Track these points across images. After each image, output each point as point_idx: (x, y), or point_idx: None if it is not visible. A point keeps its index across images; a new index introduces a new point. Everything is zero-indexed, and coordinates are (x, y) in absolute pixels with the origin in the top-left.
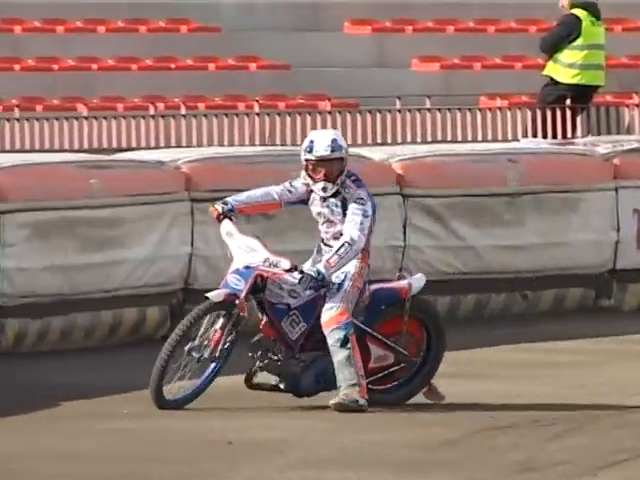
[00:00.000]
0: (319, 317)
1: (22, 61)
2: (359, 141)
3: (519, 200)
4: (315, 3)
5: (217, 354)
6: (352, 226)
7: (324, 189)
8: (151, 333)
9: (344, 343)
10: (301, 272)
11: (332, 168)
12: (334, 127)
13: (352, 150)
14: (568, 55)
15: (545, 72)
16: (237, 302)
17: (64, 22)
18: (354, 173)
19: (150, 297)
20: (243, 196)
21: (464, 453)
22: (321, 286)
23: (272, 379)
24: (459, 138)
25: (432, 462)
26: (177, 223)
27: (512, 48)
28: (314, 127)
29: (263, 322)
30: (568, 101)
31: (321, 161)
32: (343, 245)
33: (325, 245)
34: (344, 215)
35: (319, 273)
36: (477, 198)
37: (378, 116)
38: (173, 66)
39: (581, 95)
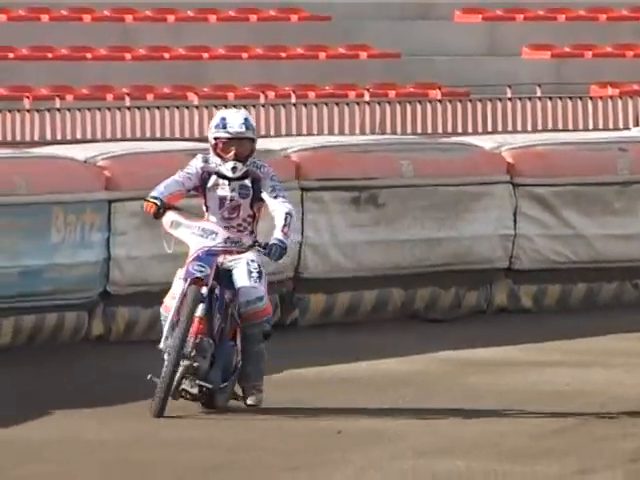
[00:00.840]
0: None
1: (133, 50)
2: (469, 129)
3: (630, 189)
4: None
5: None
6: (283, 200)
7: (234, 169)
8: None
9: (267, 336)
10: (265, 246)
11: (243, 148)
12: (445, 116)
13: (463, 139)
14: None
15: None
16: (205, 289)
17: (175, 11)
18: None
19: None
20: (162, 188)
21: (574, 442)
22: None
23: (186, 384)
24: (570, 126)
25: (542, 451)
26: None
27: (623, 36)
28: (424, 116)
29: (201, 317)
30: None
31: (234, 139)
32: (286, 217)
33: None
34: (254, 194)
35: (283, 242)
36: (587, 187)
37: (489, 105)
38: (284, 55)
39: None
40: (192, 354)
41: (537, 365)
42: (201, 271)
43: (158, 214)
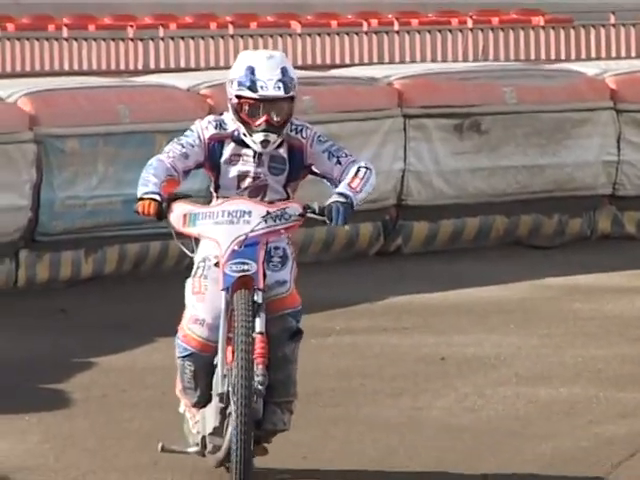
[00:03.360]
0: None
1: None
2: (573, 56)
3: None
4: None
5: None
6: (351, 159)
7: (264, 143)
8: (365, 249)
9: (294, 336)
10: (322, 210)
11: (280, 111)
12: (548, 42)
13: (566, 65)
14: None
15: None
16: (257, 287)
17: None
18: None
19: (363, 213)
20: (152, 178)
21: None
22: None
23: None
24: None
25: None
26: (390, 139)
27: None
28: (527, 42)
29: (262, 334)
30: None
31: (267, 101)
32: (360, 169)
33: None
34: (291, 170)
35: (347, 197)
36: None
37: (592, 31)
38: None
39: None
40: (262, 390)
41: None
42: (245, 269)
43: (161, 212)
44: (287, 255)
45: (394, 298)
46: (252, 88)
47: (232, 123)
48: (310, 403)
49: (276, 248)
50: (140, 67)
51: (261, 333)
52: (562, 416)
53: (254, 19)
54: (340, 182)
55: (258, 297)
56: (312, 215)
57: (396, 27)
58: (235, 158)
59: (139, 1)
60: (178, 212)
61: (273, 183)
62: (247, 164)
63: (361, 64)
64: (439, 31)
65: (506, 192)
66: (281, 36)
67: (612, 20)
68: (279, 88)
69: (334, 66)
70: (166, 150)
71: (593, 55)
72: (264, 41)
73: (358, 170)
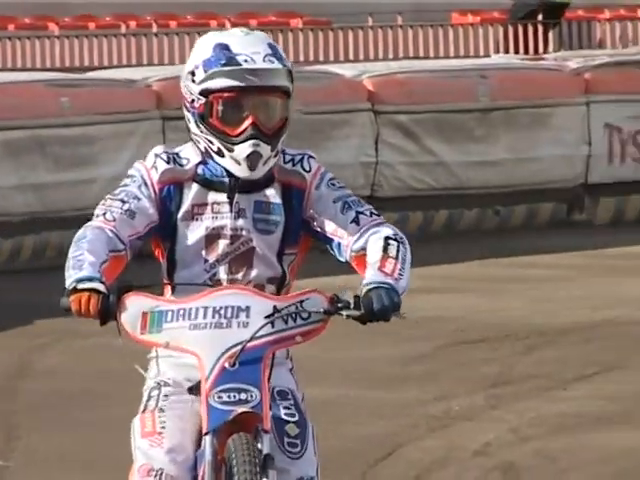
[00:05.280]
0: None
1: None
2: (331, 58)
3: (490, 116)
4: None
5: None
6: (373, 220)
7: (253, 157)
8: None
9: None
10: (356, 303)
11: (273, 112)
12: (306, 45)
13: (324, 67)
14: None
15: None
16: (262, 428)
17: None
18: None
19: None
20: (88, 256)
21: (436, 367)
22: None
23: None
24: (431, 54)
25: (404, 377)
26: (148, 141)
27: None
28: (286, 44)
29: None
30: (540, 16)
31: (251, 91)
32: (389, 244)
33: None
34: (288, 224)
35: (392, 290)
36: (448, 114)
37: (350, 33)
38: None
39: (552, 10)
40: None
41: None
42: (244, 400)
43: (108, 310)
44: (297, 403)
45: None
46: (229, 63)
47: (193, 155)
48: (70, 406)
49: (282, 394)
50: None
51: None
52: (317, 416)
53: (12, 21)
54: (351, 252)
55: (264, 444)
56: (346, 313)
57: (154, 29)
58: (200, 210)
59: None
60: (134, 310)
61: (262, 248)
62: (220, 216)
63: (120, 66)
64: (198, 33)
65: None
66: (38, 38)
67: (370, 22)
68: (272, 62)
69: (93, 68)
70: (99, 212)
71: (351, 57)
72: (21, 43)
73: (387, 245)
